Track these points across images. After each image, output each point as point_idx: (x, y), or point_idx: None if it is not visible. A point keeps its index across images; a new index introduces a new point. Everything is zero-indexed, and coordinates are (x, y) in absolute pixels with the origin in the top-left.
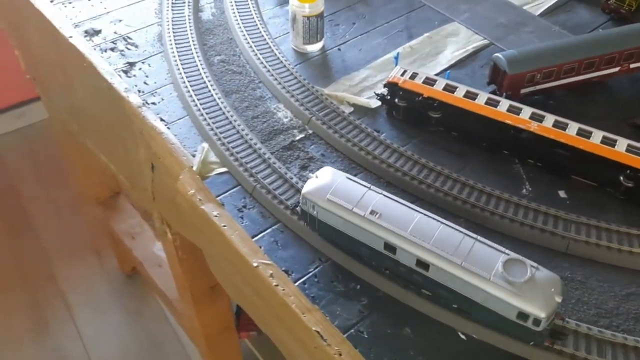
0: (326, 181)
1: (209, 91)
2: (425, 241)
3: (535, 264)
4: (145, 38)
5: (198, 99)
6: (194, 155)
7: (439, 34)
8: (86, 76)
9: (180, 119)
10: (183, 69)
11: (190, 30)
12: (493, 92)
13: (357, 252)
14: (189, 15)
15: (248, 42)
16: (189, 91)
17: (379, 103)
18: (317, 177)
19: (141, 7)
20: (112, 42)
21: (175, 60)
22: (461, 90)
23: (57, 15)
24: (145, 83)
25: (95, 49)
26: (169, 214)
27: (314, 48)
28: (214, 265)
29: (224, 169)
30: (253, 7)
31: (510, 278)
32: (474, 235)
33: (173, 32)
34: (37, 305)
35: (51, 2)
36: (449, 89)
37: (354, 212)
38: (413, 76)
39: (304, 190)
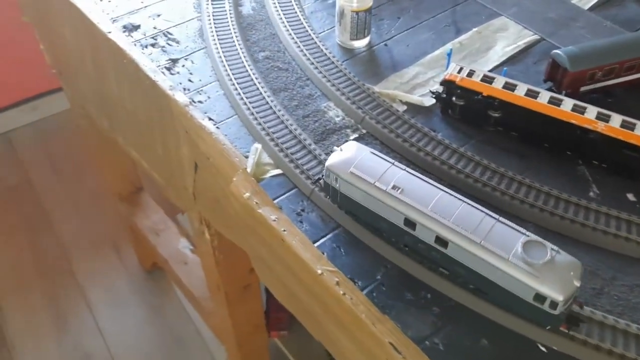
0: (350, 155)
1: (257, 89)
2: (445, 218)
3: (555, 247)
4: (186, 33)
5: (247, 98)
6: (246, 157)
7: (488, 29)
8: (125, 73)
9: (228, 118)
10: (228, 66)
11: (232, 25)
12: (550, 90)
13: (377, 227)
14: (229, 10)
15: (293, 38)
16: (236, 89)
17: (433, 101)
18: (341, 150)
19: (179, 0)
20: (153, 37)
21: (220, 57)
22: (521, 88)
23: (94, 10)
24: (189, 80)
25: (135, 45)
26: (211, 214)
27: (361, 44)
28: (263, 269)
29: (278, 171)
30: (295, 0)
31: (529, 259)
32: (495, 216)
33: (215, 28)
34: (56, 301)
35: None
36: (509, 87)
37: (376, 186)
38: (470, 74)
39: (327, 163)
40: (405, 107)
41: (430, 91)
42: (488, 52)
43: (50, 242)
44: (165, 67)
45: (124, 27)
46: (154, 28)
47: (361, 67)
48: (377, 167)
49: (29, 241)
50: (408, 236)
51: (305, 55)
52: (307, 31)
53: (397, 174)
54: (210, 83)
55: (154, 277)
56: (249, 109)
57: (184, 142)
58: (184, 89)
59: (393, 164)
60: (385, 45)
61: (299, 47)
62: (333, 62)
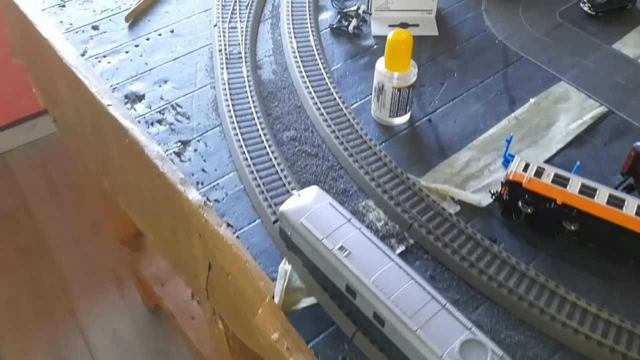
0: (307, 202)
1: (284, 185)
2: (386, 294)
3: (499, 352)
4: (197, 105)
5: (271, 197)
6: (273, 279)
7: (547, 99)
8: (128, 152)
9: (251, 223)
10: (248, 152)
11: (251, 95)
12: (632, 188)
13: (323, 284)
14: (247, 76)
15: (321, 113)
16: (259, 185)
17: (491, 200)
18: (299, 195)
19: (189, 62)
20: (159, 111)
21: (238, 139)
22: (602, 194)
23: (92, 74)
24: (203, 170)
25: (139, 122)
26: (226, 315)
27: (401, 120)
28: None
29: (312, 300)
30: (321, 61)
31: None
32: (443, 301)
33: (231, 99)
34: (56, 343)
35: (82, 55)
36: (587, 191)
37: (323, 243)
38: (539, 172)
39: (281, 208)
40: (458, 208)
41: (490, 192)
42: (550, 130)
43: (49, 277)
44: (174, 152)
45: (126, 97)
46: (161, 99)
47: (403, 151)
48: (332, 221)
49: (26, 275)
50: (350, 304)
51: (337, 136)
52: (337, 104)
53: (350, 234)
54: (228, 174)
55: (159, 318)
56: (274, 212)
57: (197, 242)
58: (197, 183)
59: (349, 220)
60: (429, 121)
61: (329, 125)
62: (370, 147)
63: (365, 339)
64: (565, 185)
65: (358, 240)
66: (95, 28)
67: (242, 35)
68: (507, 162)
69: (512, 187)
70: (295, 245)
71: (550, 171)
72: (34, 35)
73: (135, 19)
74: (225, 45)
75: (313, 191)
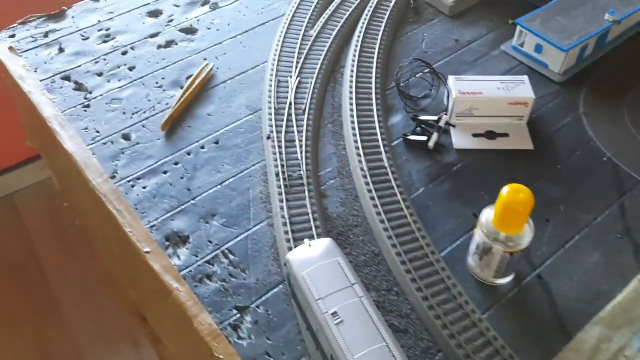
0: (315, 254)
1: None
2: None
3: None
4: (254, 252)
5: None
6: None
7: None
8: (171, 312)
9: None
10: None
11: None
12: None
13: (314, 339)
14: (312, 211)
15: (408, 269)
16: None
17: None
18: (310, 245)
19: (240, 186)
20: (208, 261)
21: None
22: None
23: (125, 207)
24: (267, 355)
25: (184, 276)
26: None
27: (507, 280)
28: None
29: None
30: (398, 188)
31: None
32: None
33: (295, 245)
34: None
35: (113, 178)
36: None
37: (318, 304)
38: None
39: (288, 255)
40: None
41: None
42: None
43: (59, 335)
44: (230, 325)
45: (167, 239)
46: (209, 242)
47: (513, 326)
48: (334, 282)
49: (35, 333)
50: None
51: (431, 305)
52: (426, 254)
53: (348, 300)
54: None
55: None
56: None
57: None
58: None
59: (352, 285)
60: (540, 278)
61: (419, 287)
62: (474, 322)
63: None
64: None
65: (356, 309)
66: (126, 138)
67: (301, 151)
68: None
69: None
70: (295, 296)
71: None
72: (56, 143)
73: (172, 124)
74: (282, 164)
75: (325, 243)
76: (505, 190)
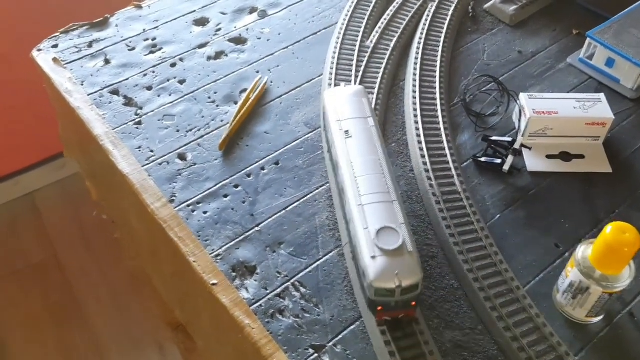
0: (346, 93)
1: None
2: (355, 173)
3: (414, 252)
4: (326, 285)
5: None
6: None
7: None
8: (241, 350)
9: None
10: None
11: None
12: None
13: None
14: None
15: (493, 306)
16: None
17: None
18: (344, 86)
19: (305, 211)
20: (278, 294)
21: (388, 342)
22: None
23: (186, 234)
24: None
25: (255, 311)
26: None
27: (598, 319)
28: None
29: None
30: (474, 215)
31: (377, 241)
32: (395, 198)
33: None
34: None
35: (171, 202)
36: None
37: (336, 123)
38: None
39: (324, 92)
40: None
41: None
42: None
43: (82, 338)
44: None
45: (233, 269)
46: (277, 273)
47: None
48: (354, 112)
49: (57, 335)
50: (337, 175)
51: (521, 346)
52: (510, 289)
53: (361, 126)
54: None
55: None
56: None
57: None
58: None
59: (367, 117)
60: (632, 315)
61: (507, 326)
62: None
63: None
64: None
65: (365, 133)
66: (182, 158)
67: None
68: None
69: None
70: (324, 125)
71: None
72: (107, 161)
73: (229, 142)
74: None
75: (357, 87)
76: (609, 228)
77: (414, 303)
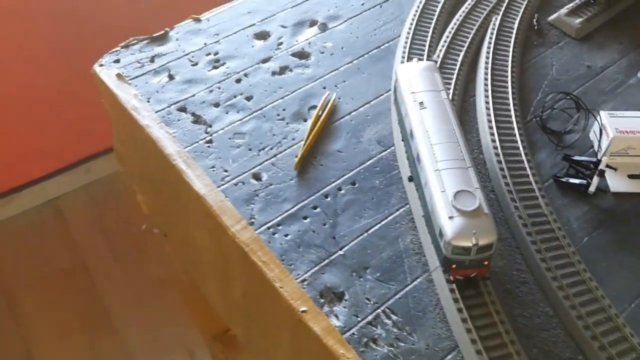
0: (418, 68)
1: None
2: (431, 141)
3: (488, 213)
4: (417, 312)
5: None
6: None
7: None
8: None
9: None
10: None
11: (488, 294)
12: None
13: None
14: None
15: (592, 333)
16: None
17: None
18: (417, 61)
19: (388, 234)
20: (370, 322)
21: None
22: None
23: (270, 258)
24: None
25: (348, 339)
26: None
27: None
28: None
29: None
30: (562, 237)
31: (454, 202)
32: (470, 164)
33: (464, 302)
34: None
35: (251, 224)
36: None
37: (410, 93)
38: None
39: (397, 67)
40: None
41: None
42: None
43: (111, 345)
44: None
45: (321, 295)
46: (367, 300)
47: None
48: (427, 85)
49: (87, 342)
50: (409, 147)
51: None
52: (609, 316)
53: (435, 98)
54: None
55: None
56: None
57: None
58: None
59: (440, 90)
60: None
61: (609, 356)
62: None
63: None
64: None
65: (438, 105)
66: (257, 178)
67: None
68: None
69: None
70: (396, 98)
71: None
72: (179, 180)
73: (304, 162)
74: None
75: (429, 63)
76: None
77: (486, 262)
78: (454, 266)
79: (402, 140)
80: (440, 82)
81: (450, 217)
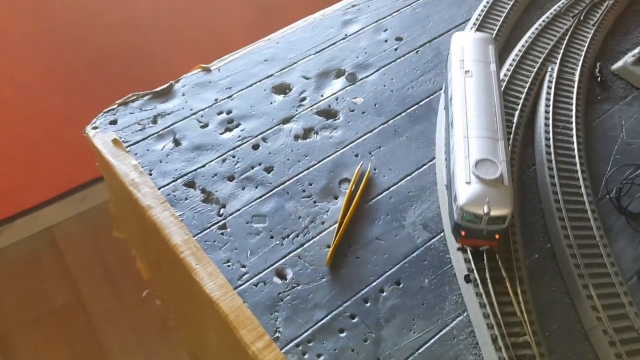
0: (474, 37)
1: None
2: (466, 108)
3: (508, 181)
4: None
5: None
6: None
7: None
8: None
9: None
10: None
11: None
12: None
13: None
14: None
15: None
16: None
17: None
18: (474, 32)
19: (444, 359)
20: None
21: None
22: None
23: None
24: None
25: None
26: None
27: None
28: None
29: None
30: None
31: (474, 169)
32: (502, 137)
33: None
34: None
35: (275, 340)
36: None
37: (458, 60)
38: None
39: (458, 34)
40: None
41: None
42: None
43: None
44: None
45: None
46: None
47: None
48: (477, 55)
49: None
50: (447, 107)
51: None
52: None
53: (483, 69)
54: None
55: None
56: None
57: None
58: None
59: (490, 63)
60: None
61: None
62: None
63: None
64: None
65: (484, 75)
66: (281, 276)
67: (517, 301)
68: None
69: None
70: (447, 66)
71: None
72: (186, 276)
73: (336, 253)
74: (498, 324)
75: (485, 35)
76: None
77: (497, 236)
78: (463, 233)
79: (444, 109)
80: (493, 55)
81: (467, 183)
